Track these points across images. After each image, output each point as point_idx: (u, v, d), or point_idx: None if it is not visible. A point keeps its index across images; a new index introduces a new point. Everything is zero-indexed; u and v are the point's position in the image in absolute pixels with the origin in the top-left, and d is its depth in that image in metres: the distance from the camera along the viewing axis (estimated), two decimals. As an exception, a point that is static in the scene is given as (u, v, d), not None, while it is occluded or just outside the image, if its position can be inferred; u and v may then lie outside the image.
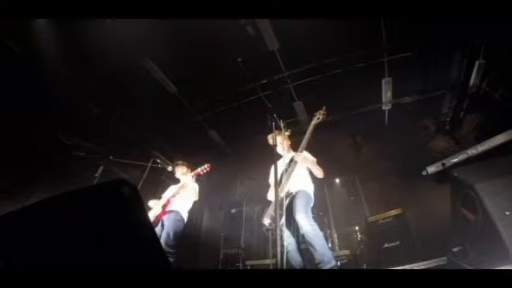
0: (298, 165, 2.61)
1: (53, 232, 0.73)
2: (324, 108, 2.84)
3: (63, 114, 4.38)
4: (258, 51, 3.89)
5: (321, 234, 2.27)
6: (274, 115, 2.29)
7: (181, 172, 3.66)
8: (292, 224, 2.48)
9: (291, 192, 2.53)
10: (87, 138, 5.04)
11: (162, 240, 2.99)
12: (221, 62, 4.00)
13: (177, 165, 3.76)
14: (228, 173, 6.87)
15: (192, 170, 3.64)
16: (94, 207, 0.78)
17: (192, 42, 3.76)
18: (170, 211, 3.29)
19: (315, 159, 2.75)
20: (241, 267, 5.06)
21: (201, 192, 3.66)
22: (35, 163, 4.53)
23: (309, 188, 2.63)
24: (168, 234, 3.03)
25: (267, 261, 4.91)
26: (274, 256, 1.66)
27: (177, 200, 3.40)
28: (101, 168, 3.37)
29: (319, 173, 2.64)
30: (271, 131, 2.30)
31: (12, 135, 4.12)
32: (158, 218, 3.27)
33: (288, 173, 2.55)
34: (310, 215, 2.37)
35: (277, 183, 2.13)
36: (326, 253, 2.15)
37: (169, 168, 4.03)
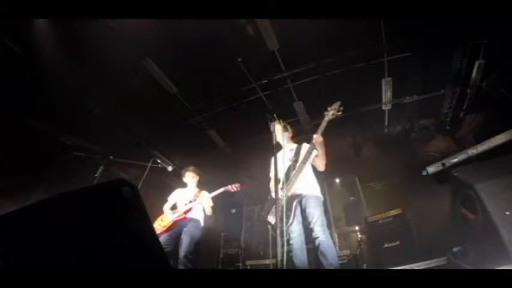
0: (304, 157, 2.56)
1: (53, 232, 0.73)
2: (339, 103, 2.71)
3: (63, 114, 4.38)
4: (258, 51, 3.88)
5: (333, 244, 2.30)
6: (274, 115, 2.29)
7: (194, 179, 3.72)
8: (300, 223, 2.47)
9: (300, 194, 2.50)
10: (87, 138, 5.04)
11: (185, 248, 3.08)
12: (221, 62, 4.00)
13: (188, 170, 3.78)
14: (228, 173, 6.88)
15: (201, 177, 3.74)
16: (94, 207, 0.78)
17: (192, 42, 3.76)
18: (191, 218, 3.35)
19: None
20: (241, 267, 5.06)
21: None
22: (35, 163, 4.53)
23: (318, 189, 2.61)
24: (190, 243, 3.12)
25: (267, 261, 4.92)
26: (274, 256, 1.65)
27: (198, 208, 3.46)
28: (101, 168, 3.38)
29: (323, 164, 2.62)
30: (271, 131, 2.30)
31: (12, 135, 4.12)
32: (176, 223, 3.32)
33: (296, 169, 2.51)
34: (325, 223, 2.38)
35: (277, 180, 2.13)
36: (334, 264, 2.17)
37: (170, 168, 4.05)
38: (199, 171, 3.83)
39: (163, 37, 3.59)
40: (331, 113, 2.66)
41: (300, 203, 2.49)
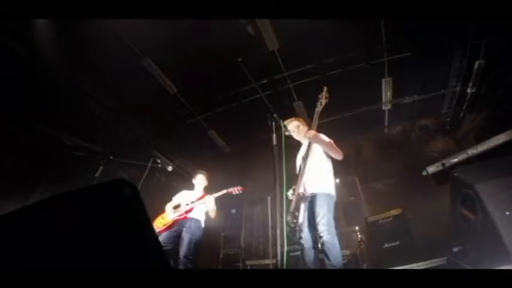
0: (314, 153, 2.50)
1: (53, 232, 0.73)
2: (325, 89, 2.64)
3: (63, 114, 4.38)
4: (258, 51, 3.89)
5: (338, 245, 2.25)
6: (274, 115, 2.28)
7: (203, 183, 3.79)
8: (311, 223, 2.44)
9: (309, 192, 2.44)
10: (87, 138, 5.04)
11: (185, 248, 3.10)
12: (221, 62, 4.00)
13: (199, 173, 3.87)
14: (228, 173, 6.87)
15: (209, 183, 3.85)
16: (94, 207, 0.78)
17: (192, 42, 3.76)
18: (192, 218, 3.36)
19: (331, 141, 2.59)
20: (241, 267, 5.05)
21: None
22: (35, 163, 4.53)
23: (329, 185, 2.48)
24: (190, 243, 3.14)
25: (267, 261, 4.91)
26: (274, 256, 1.66)
27: (200, 208, 3.47)
28: (101, 168, 3.37)
29: (337, 153, 2.54)
30: (271, 131, 2.28)
31: (12, 135, 4.12)
32: (177, 222, 3.33)
33: (303, 167, 2.44)
34: (332, 222, 2.31)
35: (277, 179, 2.08)
36: (336, 266, 2.15)
37: (170, 168, 4.06)
38: (209, 177, 3.91)
39: (163, 37, 3.59)
40: (319, 103, 2.62)
41: (310, 202, 2.45)
